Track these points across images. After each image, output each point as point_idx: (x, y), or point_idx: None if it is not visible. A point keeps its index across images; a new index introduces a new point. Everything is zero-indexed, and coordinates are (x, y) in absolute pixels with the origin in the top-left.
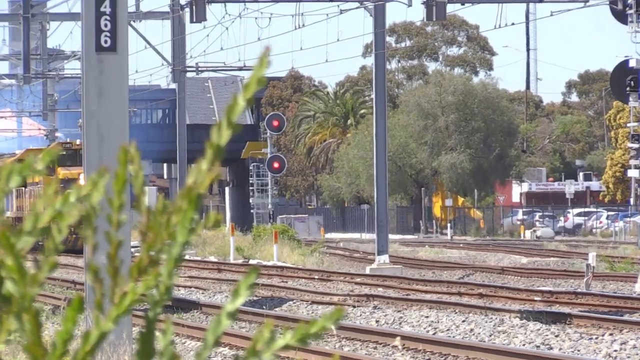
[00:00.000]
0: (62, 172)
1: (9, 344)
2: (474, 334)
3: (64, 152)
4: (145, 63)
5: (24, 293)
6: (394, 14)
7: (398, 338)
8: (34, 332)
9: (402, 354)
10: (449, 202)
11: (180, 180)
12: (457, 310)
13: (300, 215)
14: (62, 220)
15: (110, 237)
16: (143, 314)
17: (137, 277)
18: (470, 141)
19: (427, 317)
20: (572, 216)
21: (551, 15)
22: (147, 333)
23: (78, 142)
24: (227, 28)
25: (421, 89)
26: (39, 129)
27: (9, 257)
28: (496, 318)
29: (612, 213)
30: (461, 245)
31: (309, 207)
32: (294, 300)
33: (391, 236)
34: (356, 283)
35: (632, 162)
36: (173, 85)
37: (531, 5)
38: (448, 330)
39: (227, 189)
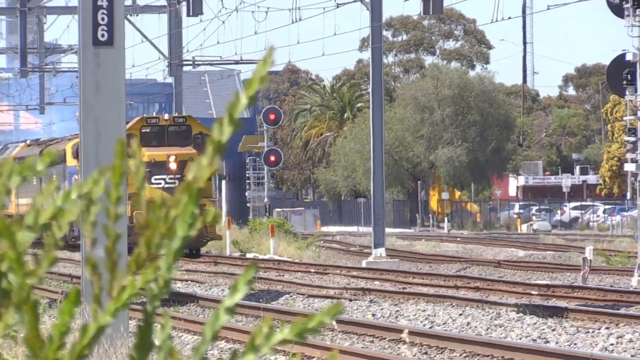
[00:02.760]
0: (147, 153)
1: (7, 339)
2: (470, 328)
3: (149, 130)
4: (142, 57)
5: (23, 284)
6: (391, 8)
7: (406, 331)
8: (32, 324)
9: (409, 348)
10: (445, 196)
11: None
12: (453, 304)
13: (296, 209)
14: (62, 217)
15: (108, 231)
16: (141, 307)
17: (135, 271)
18: (467, 135)
19: (423, 310)
20: (569, 210)
21: (548, 8)
22: (146, 327)
23: (166, 117)
24: (223, 22)
25: (418, 82)
26: (36, 123)
27: (10, 248)
28: (493, 312)
29: (609, 207)
30: (458, 238)
31: (306, 200)
32: (291, 294)
33: (388, 230)
34: (353, 277)
35: (629, 155)
36: (170, 79)
37: None
38: (445, 323)
39: (223, 183)
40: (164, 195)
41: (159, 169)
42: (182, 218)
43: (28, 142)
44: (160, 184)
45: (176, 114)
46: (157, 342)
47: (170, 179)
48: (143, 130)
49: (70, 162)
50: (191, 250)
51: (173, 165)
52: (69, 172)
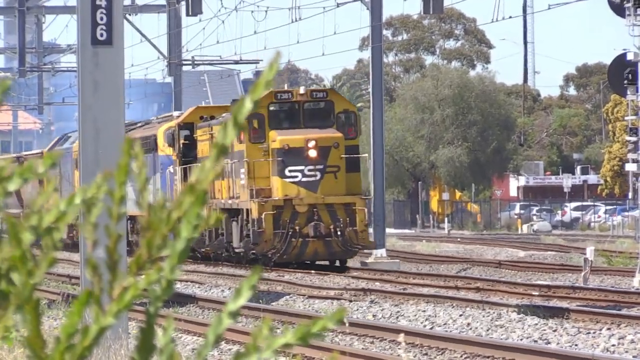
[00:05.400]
0: (278, 138)
1: (7, 341)
2: (471, 329)
3: (278, 107)
4: (141, 56)
5: (26, 283)
6: (391, 7)
7: (402, 335)
8: (34, 324)
9: (405, 350)
10: (446, 196)
11: None
12: (454, 305)
13: None
14: (64, 220)
15: (110, 231)
16: (141, 308)
17: (135, 272)
18: (467, 135)
19: (424, 311)
20: (570, 210)
21: (549, 8)
22: (148, 328)
23: (302, 90)
24: (223, 21)
25: (418, 82)
26: (35, 123)
27: (15, 247)
28: (493, 312)
29: (610, 207)
30: (458, 239)
31: None
32: (291, 295)
33: (388, 230)
34: (353, 277)
35: (630, 155)
36: (169, 79)
37: None
38: (445, 324)
39: None
40: (300, 191)
41: (294, 158)
42: (187, 219)
43: None
44: (296, 177)
45: (314, 87)
46: (159, 344)
47: (309, 170)
48: (271, 108)
49: (163, 150)
50: (333, 262)
51: (313, 153)
52: (162, 163)
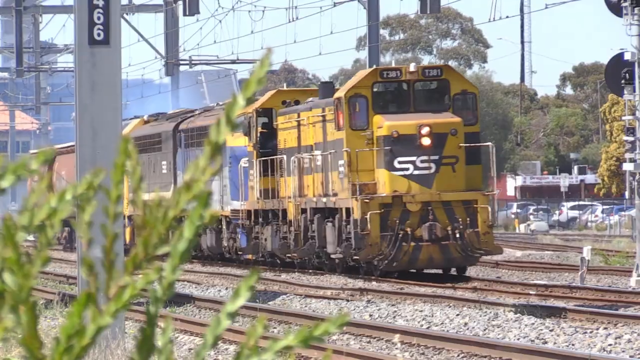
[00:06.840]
0: (385, 123)
1: (5, 341)
2: (468, 328)
3: (384, 87)
4: (138, 56)
5: (22, 284)
6: (388, 7)
7: (397, 336)
8: (30, 325)
9: (402, 350)
10: None
11: None
12: (451, 304)
13: None
14: (56, 217)
15: (106, 230)
16: (138, 308)
17: (132, 271)
18: None
19: (421, 311)
20: (567, 210)
21: (546, 7)
22: (148, 328)
23: (412, 67)
24: (220, 21)
25: None
26: (32, 123)
27: (9, 248)
28: (490, 312)
29: (607, 206)
30: None
31: None
32: (288, 294)
33: None
34: (350, 277)
35: (627, 155)
36: (166, 79)
37: None
38: (442, 324)
39: None
40: (412, 186)
41: (404, 147)
42: (191, 220)
43: (146, 117)
44: (407, 169)
45: (427, 63)
46: (158, 344)
47: (422, 161)
48: (376, 89)
49: (232, 140)
50: (446, 269)
51: (426, 141)
52: (231, 155)
